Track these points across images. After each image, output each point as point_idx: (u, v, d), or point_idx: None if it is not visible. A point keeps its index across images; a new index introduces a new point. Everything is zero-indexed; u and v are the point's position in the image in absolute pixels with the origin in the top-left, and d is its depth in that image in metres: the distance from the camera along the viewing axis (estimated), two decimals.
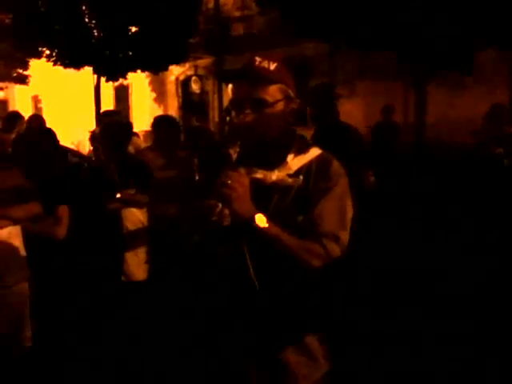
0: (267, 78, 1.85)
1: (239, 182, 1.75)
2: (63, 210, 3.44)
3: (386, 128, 8.56)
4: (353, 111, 13.53)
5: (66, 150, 4.68)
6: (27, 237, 3.20)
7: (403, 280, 4.93)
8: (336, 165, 1.94)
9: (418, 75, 11.72)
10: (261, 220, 1.77)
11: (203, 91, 18.43)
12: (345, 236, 1.89)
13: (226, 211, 1.78)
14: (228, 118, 1.93)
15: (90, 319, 3.64)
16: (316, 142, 2.04)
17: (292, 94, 1.93)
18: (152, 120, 4.86)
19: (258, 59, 1.87)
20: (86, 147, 18.82)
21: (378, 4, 9.85)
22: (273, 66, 1.87)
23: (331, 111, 4.47)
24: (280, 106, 1.88)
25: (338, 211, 1.88)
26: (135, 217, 4.21)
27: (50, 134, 4.10)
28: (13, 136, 5.13)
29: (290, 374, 1.93)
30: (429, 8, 9.56)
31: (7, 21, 13.83)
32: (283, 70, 1.91)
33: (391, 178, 6.82)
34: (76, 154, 5.76)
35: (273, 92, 1.87)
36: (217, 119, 17.32)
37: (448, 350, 3.74)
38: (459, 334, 3.94)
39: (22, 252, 3.17)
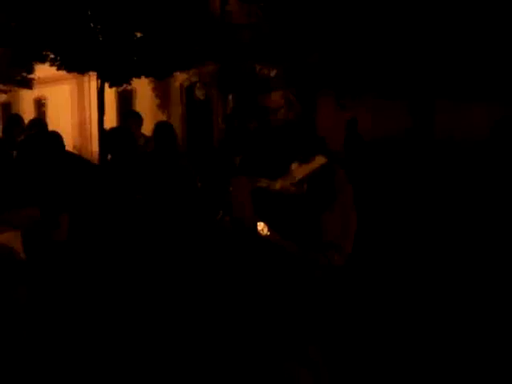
0: (268, 85, 1.85)
1: (241, 190, 1.74)
2: (63, 215, 3.42)
3: (356, 141, 8.71)
4: (360, 122, 13.55)
5: (68, 154, 4.66)
6: (27, 241, 3.18)
7: (405, 285, 4.94)
8: (340, 174, 1.92)
9: (424, 92, 11.80)
10: (262, 228, 1.76)
11: (207, 98, 18.45)
12: (348, 246, 1.88)
13: (227, 218, 1.77)
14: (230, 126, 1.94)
15: (89, 324, 3.61)
16: None
17: (294, 101, 1.92)
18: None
19: (258, 67, 1.87)
20: (87, 151, 18.96)
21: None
22: (273, 73, 1.87)
23: None
24: (283, 113, 1.88)
25: (341, 221, 1.87)
26: None
27: (55, 139, 4.09)
28: (14, 139, 5.14)
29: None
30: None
31: (12, 24, 13.88)
32: (284, 76, 1.90)
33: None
34: (78, 158, 5.72)
35: (275, 99, 1.87)
36: (221, 126, 17.33)
37: (449, 353, 3.72)
38: (461, 337, 3.92)
39: (22, 256, 3.15)
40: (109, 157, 4.92)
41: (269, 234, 1.77)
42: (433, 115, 12.22)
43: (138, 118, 5.86)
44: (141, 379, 3.37)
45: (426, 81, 11.27)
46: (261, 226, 1.76)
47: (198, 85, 18.46)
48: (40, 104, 24.12)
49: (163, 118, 18.49)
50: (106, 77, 14.66)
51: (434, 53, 10.34)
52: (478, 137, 9.04)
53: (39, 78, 19.28)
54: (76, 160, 4.71)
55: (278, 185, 1.88)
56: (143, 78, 15.45)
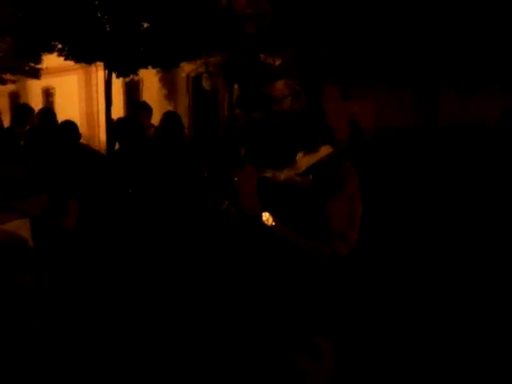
0: (273, 74, 1.84)
1: (246, 180, 1.74)
2: (72, 203, 3.45)
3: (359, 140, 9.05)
4: (364, 112, 13.53)
5: (79, 144, 4.70)
6: (36, 229, 3.21)
7: (409, 276, 4.95)
8: (346, 164, 1.91)
9: (429, 80, 11.76)
10: (267, 218, 1.76)
11: (214, 89, 18.42)
12: (353, 236, 1.87)
13: (233, 208, 1.77)
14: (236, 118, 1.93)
15: (95, 312, 3.65)
16: None
17: (300, 90, 1.91)
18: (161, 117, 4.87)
19: (262, 56, 1.87)
20: (95, 141, 19.00)
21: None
22: (278, 62, 1.87)
23: None
24: (288, 102, 1.87)
25: (347, 211, 1.86)
26: None
27: (71, 128, 4.15)
28: (24, 129, 5.16)
29: (297, 375, 1.92)
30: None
31: (20, 14, 13.90)
32: (289, 66, 1.89)
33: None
34: (86, 147, 5.76)
35: (280, 88, 1.86)
36: (226, 116, 17.29)
37: (448, 349, 3.73)
38: (460, 333, 3.92)
39: (31, 244, 3.18)
40: (116, 146, 4.95)
41: (274, 224, 1.77)
42: (437, 103, 12.19)
43: (147, 109, 5.87)
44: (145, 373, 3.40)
45: (430, 69, 11.24)
46: (266, 216, 1.77)
47: (204, 75, 18.43)
48: (48, 94, 24.17)
49: (170, 108, 18.46)
50: (113, 67, 14.67)
51: (437, 41, 10.31)
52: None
53: (47, 68, 19.31)
54: (83, 149, 4.74)
55: (283, 175, 1.88)
56: (150, 68, 15.43)
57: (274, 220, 1.77)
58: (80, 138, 4.63)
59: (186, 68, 18.09)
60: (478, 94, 11.94)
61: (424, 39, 10.39)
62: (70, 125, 4.60)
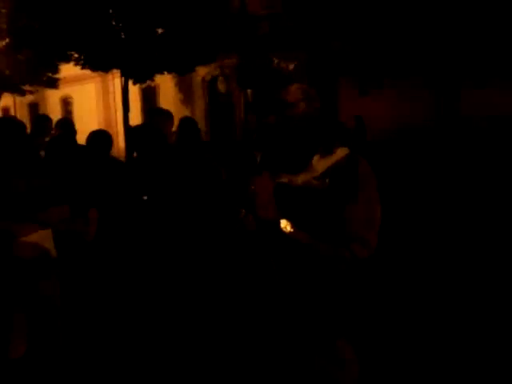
0: (286, 78, 1.83)
1: (263, 188, 1.73)
2: (93, 212, 3.49)
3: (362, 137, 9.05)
4: (381, 107, 13.43)
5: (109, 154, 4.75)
6: (58, 239, 3.25)
7: (429, 277, 4.88)
8: (364, 166, 1.88)
9: (449, 71, 11.64)
10: (285, 225, 1.75)
11: (229, 91, 18.47)
12: (373, 238, 1.84)
13: (250, 217, 1.76)
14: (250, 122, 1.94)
15: (119, 321, 3.67)
16: None
17: (313, 94, 1.90)
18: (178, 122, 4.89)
19: (275, 60, 1.86)
20: (113, 148, 19.20)
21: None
22: (291, 66, 1.86)
23: None
24: (302, 106, 1.85)
25: (366, 214, 1.84)
26: None
27: (99, 138, 4.19)
28: (43, 139, 5.23)
29: (319, 379, 1.91)
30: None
31: (36, 26, 14.11)
32: (302, 70, 1.89)
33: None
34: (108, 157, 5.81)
35: (293, 92, 1.84)
36: (242, 119, 17.35)
37: (475, 353, 3.66)
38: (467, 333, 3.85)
39: (53, 254, 3.22)
40: (135, 154, 4.97)
41: (292, 230, 1.76)
42: (458, 95, 12.05)
43: (168, 116, 5.86)
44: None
45: (450, 63, 11.12)
46: (284, 223, 1.76)
47: (219, 78, 18.50)
48: (66, 103, 24.50)
49: (187, 112, 18.57)
50: (130, 74, 14.80)
51: (456, 34, 10.19)
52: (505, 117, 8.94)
53: (65, 77, 19.57)
54: (108, 158, 4.78)
55: (300, 179, 1.87)
56: (166, 73, 15.53)
57: (292, 227, 1.76)
58: (111, 148, 4.62)
59: (201, 71, 18.17)
60: (500, 85, 11.73)
61: (442, 30, 10.26)
62: (102, 134, 4.60)
